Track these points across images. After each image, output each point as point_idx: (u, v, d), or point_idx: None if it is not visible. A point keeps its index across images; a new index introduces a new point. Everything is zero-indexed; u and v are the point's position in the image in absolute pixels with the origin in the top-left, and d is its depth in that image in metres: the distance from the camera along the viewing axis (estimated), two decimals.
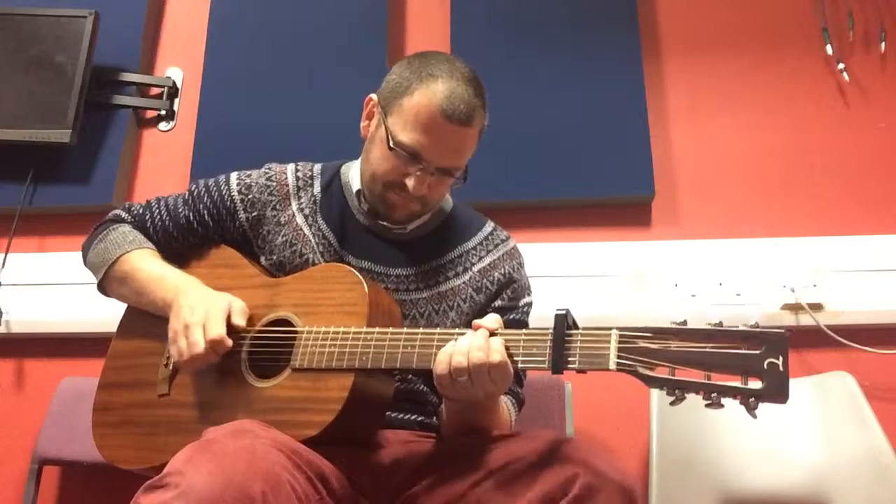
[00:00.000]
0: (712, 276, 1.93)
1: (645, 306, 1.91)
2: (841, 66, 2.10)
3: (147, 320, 1.35)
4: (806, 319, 1.86)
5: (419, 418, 1.32)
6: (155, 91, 2.30)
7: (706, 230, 2.01)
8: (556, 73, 2.12)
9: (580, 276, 1.94)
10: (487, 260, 1.39)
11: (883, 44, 2.12)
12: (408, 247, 1.37)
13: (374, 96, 1.35)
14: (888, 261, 1.90)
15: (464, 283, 1.36)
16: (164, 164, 2.22)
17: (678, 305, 1.89)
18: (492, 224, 1.46)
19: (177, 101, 2.29)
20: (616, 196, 2.03)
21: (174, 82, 2.29)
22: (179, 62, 2.33)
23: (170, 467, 0.95)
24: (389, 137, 1.26)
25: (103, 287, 1.41)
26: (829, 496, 1.61)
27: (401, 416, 1.30)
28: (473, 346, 1.06)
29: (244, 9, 2.30)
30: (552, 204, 2.05)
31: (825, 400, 1.72)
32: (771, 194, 2.03)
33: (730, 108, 2.12)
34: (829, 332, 1.83)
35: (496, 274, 1.38)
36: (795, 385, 1.75)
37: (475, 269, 1.38)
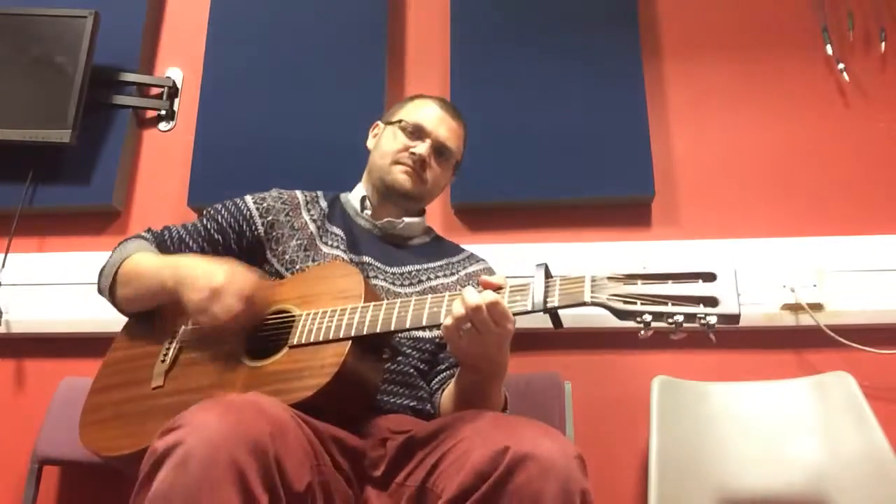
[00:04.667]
0: None
1: None
2: (841, 66, 2.11)
3: (143, 330, 1.38)
4: (806, 319, 1.86)
5: (411, 403, 1.37)
6: (155, 91, 2.30)
7: (706, 230, 2.01)
8: (557, 73, 2.11)
9: None
10: (471, 269, 1.59)
11: (883, 44, 2.12)
12: (403, 250, 1.55)
13: (379, 122, 1.67)
14: (888, 261, 1.90)
15: (452, 281, 1.53)
16: (164, 164, 2.23)
17: None
18: (469, 251, 1.67)
19: (177, 101, 2.29)
20: (616, 196, 2.03)
21: (174, 82, 2.29)
22: (179, 62, 2.33)
23: (181, 415, 0.99)
24: (398, 122, 1.57)
25: (114, 296, 1.44)
26: (829, 496, 1.61)
27: (394, 399, 1.34)
28: (466, 295, 1.13)
29: (244, 9, 2.29)
30: (552, 204, 2.05)
31: (825, 400, 1.72)
32: (771, 194, 2.03)
33: (730, 108, 2.12)
34: (829, 332, 1.83)
35: (482, 278, 1.47)
36: (795, 385, 1.76)
37: (462, 273, 1.57)
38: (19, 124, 2.11)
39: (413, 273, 1.50)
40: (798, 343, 1.88)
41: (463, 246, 1.69)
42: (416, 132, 1.55)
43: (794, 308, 1.87)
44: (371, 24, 2.23)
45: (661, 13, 2.24)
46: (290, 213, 1.51)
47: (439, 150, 1.56)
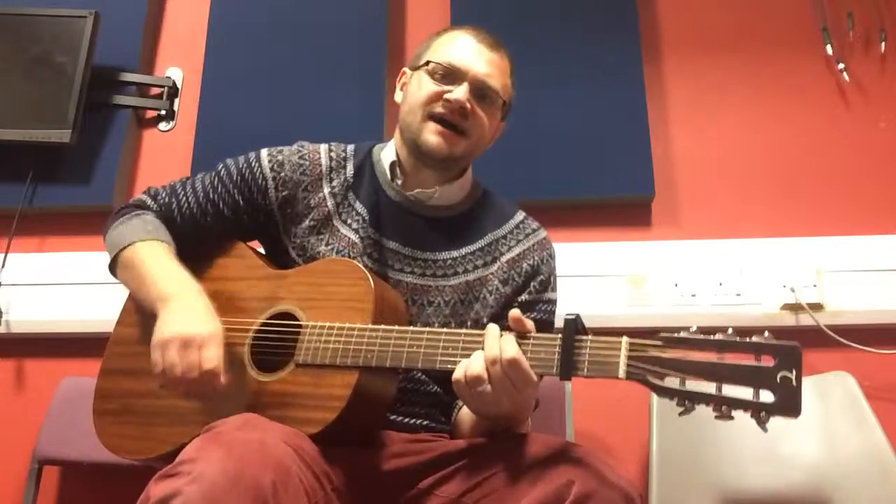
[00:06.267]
0: (712, 276, 1.92)
1: (645, 306, 1.91)
2: (841, 66, 2.11)
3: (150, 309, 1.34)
4: (806, 319, 1.86)
5: (425, 422, 1.30)
6: (155, 91, 2.30)
7: (706, 230, 2.01)
8: (556, 74, 2.11)
9: (580, 276, 1.94)
10: (517, 250, 1.37)
11: (883, 44, 2.12)
12: (438, 229, 1.35)
13: (405, 69, 1.42)
14: (888, 261, 1.90)
15: (491, 273, 1.34)
16: (164, 164, 2.22)
17: (678, 305, 1.89)
18: (523, 213, 1.44)
19: (177, 101, 2.29)
20: (616, 196, 2.03)
21: (174, 82, 2.29)
22: (179, 62, 2.33)
23: (182, 457, 0.95)
24: (425, 65, 1.32)
25: (113, 270, 1.37)
26: (829, 496, 1.61)
27: (407, 420, 1.28)
28: (487, 339, 1.04)
29: (244, 9, 2.30)
30: (552, 204, 2.05)
31: (825, 400, 1.72)
32: (771, 194, 2.03)
33: (730, 108, 2.12)
34: (829, 332, 1.83)
35: (524, 265, 1.36)
36: None
37: (504, 259, 1.36)
38: (19, 124, 2.11)
39: (447, 262, 1.33)
40: (798, 343, 1.88)
41: None
42: (449, 74, 1.30)
43: (794, 308, 1.87)
44: (371, 24, 2.23)
45: (661, 13, 2.24)
46: (309, 187, 1.34)
47: (481, 91, 1.31)
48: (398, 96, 1.40)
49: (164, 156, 2.24)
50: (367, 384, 1.14)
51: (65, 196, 2.16)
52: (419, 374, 1.30)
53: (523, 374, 1.02)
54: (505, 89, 1.37)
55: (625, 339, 1.00)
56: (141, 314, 1.36)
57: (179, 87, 2.30)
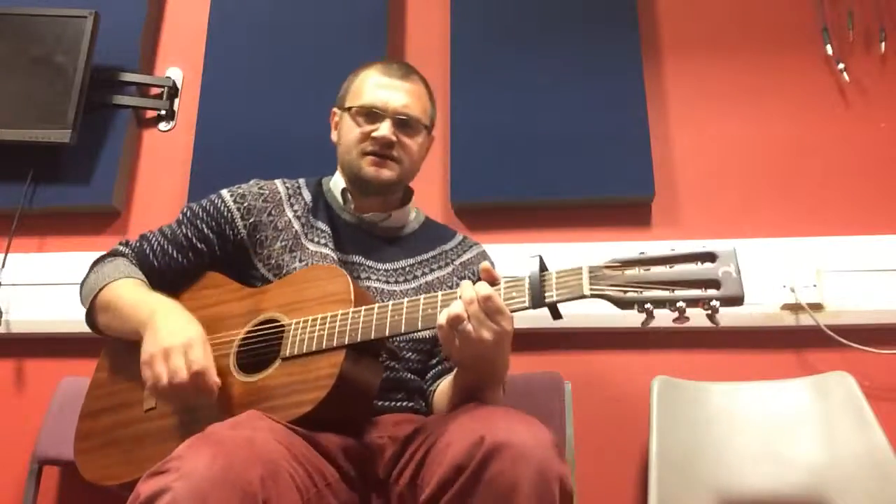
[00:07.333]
0: None
1: None
2: (841, 66, 2.10)
3: (128, 347, 1.35)
4: (806, 319, 1.86)
5: (408, 404, 1.36)
6: (155, 91, 2.30)
7: (706, 230, 2.01)
8: (556, 73, 2.11)
9: None
10: (465, 257, 1.53)
11: (883, 44, 2.12)
12: (393, 244, 1.48)
13: (335, 109, 1.54)
14: (888, 261, 1.90)
15: (448, 273, 1.49)
16: (164, 164, 2.23)
17: None
18: (461, 234, 1.60)
19: (177, 101, 2.29)
20: (616, 196, 2.03)
21: (174, 82, 2.29)
22: (179, 62, 2.33)
23: (171, 455, 0.96)
24: (348, 110, 1.46)
25: (92, 319, 1.41)
26: (829, 496, 1.61)
27: (390, 403, 1.33)
28: (462, 288, 1.11)
29: (244, 9, 2.29)
30: (552, 204, 2.05)
31: (825, 400, 1.72)
32: (771, 194, 2.03)
33: (730, 108, 2.12)
34: (829, 332, 1.83)
35: (474, 268, 1.51)
36: (795, 385, 1.76)
37: (456, 262, 1.51)
38: (19, 124, 2.11)
39: (407, 269, 1.45)
40: (798, 343, 1.88)
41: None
42: (370, 115, 1.43)
43: (794, 308, 1.87)
44: (371, 24, 2.23)
45: (661, 13, 2.24)
46: (273, 212, 1.43)
47: (402, 122, 1.43)
48: (334, 136, 1.53)
49: (164, 156, 2.24)
50: (355, 359, 1.17)
51: (65, 196, 2.16)
52: (394, 364, 1.36)
53: (498, 307, 1.09)
54: (424, 114, 1.49)
55: (585, 265, 1.10)
56: (117, 357, 1.39)
57: (179, 87, 2.30)
